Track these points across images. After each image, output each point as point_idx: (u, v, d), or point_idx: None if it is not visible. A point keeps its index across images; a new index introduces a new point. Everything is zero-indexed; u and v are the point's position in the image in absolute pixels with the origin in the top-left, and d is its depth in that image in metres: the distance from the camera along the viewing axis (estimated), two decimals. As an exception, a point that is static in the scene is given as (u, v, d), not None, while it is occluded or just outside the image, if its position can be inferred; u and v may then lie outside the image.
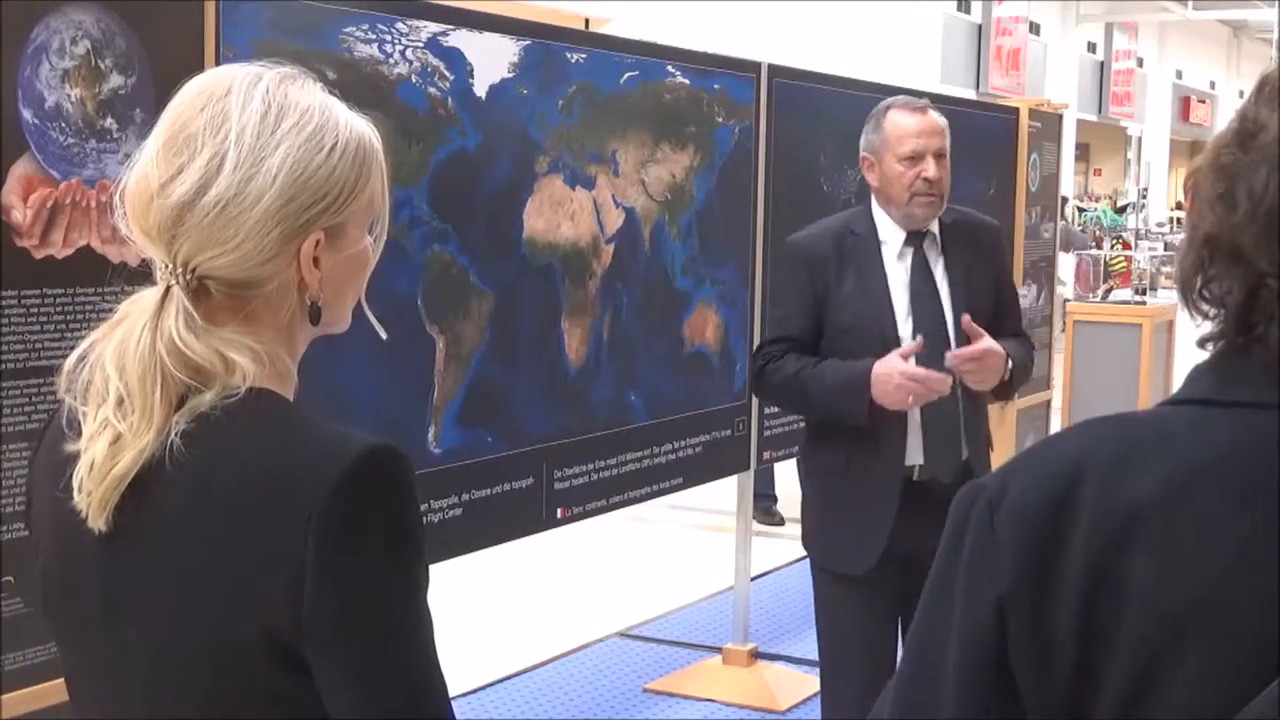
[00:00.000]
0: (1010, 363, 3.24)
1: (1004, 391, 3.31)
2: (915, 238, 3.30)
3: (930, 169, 3.22)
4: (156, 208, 1.20)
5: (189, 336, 1.19)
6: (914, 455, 3.25)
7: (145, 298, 1.22)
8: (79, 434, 1.22)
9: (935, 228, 3.32)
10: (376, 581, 1.16)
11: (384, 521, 1.17)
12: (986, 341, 3.16)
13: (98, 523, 1.19)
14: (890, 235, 3.31)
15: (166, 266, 1.21)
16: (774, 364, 3.33)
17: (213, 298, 1.22)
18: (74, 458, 1.21)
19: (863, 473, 3.27)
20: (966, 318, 3.17)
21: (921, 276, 3.28)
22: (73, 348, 1.24)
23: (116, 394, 1.19)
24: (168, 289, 1.21)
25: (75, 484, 1.20)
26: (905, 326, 3.25)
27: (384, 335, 1.41)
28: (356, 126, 1.26)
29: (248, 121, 1.20)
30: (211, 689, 1.19)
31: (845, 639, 3.34)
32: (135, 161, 1.24)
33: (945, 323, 3.25)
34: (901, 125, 3.26)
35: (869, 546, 3.25)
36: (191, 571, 1.18)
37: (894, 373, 3.12)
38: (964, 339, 3.19)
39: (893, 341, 3.22)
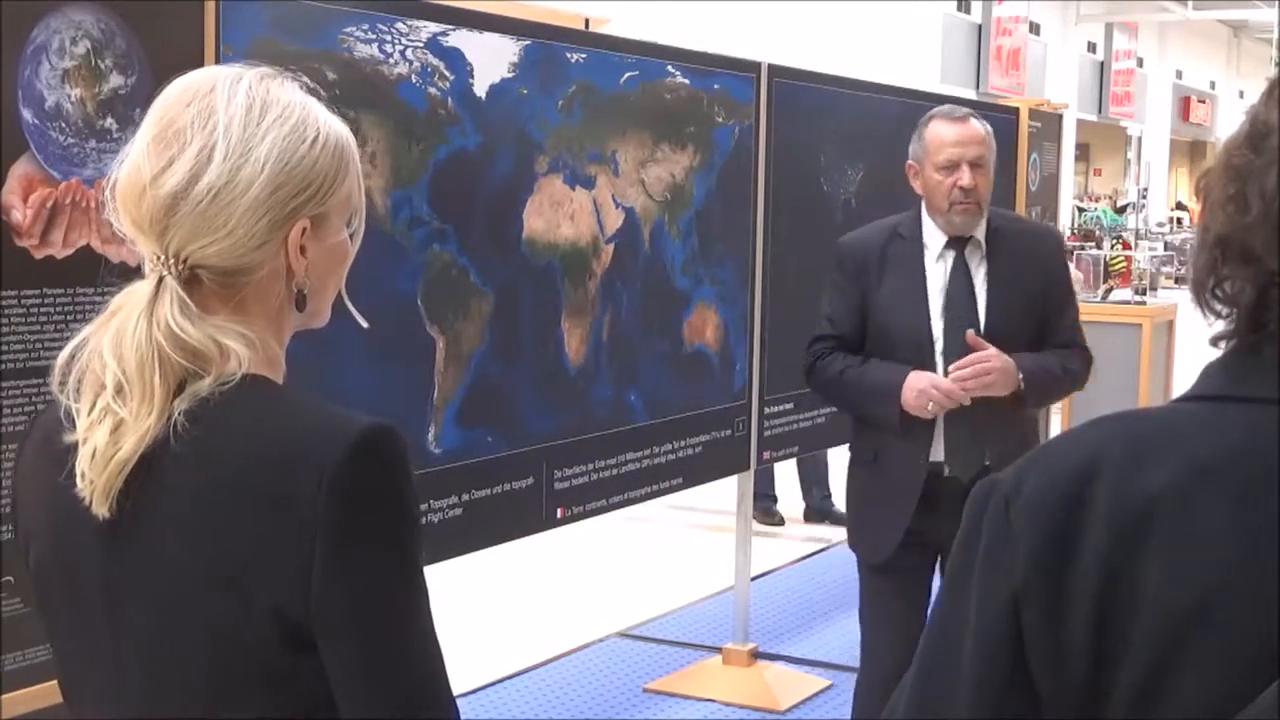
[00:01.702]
0: (1021, 374, 3.30)
1: (1017, 401, 3.35)
2: (957, 242, 3.40)
3: (965, 178, 3.32)
4: (149, 199, 1.23)
5: (185, 323, 1.22)
6: (936, 453, 3.38)
7: (138, 290, 1.25)
8: (74, 426, 1.23)
9: (981, 233, 3.42)
10: (382, 555, 1.19)
11: (387, 497, 1.20)
12: (986, 354, 3.26)
13: (101, 509, 1.20)
14: (933, 239, 3.42)
15: (158, 258, 1.24)
16: (823, 360, 3.49)
17: (204, 287, 1.25)
18: (73, 448, 1.23)
19: (889, 465, 3.43)
20: (970, 332, 3.29)
21: (959, 280, 3.39)
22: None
23: (115, 382, 1.21)
24: (160, 279, 1.23)
25: (78, 472, 1.21)
26: (938, 328, 3.37)
27: (364, 324, 1.43)
28: (334, 122, 1.31)
29: (234, 114, 1.24)
30: (215, 670, 1.20)
31: (876, 625, 3.49)
32: (123, 158, 1.26)
33: (978, 327, 3.34)
34: (940, 135, 3.38)
35: (887, 536, 3.40)
36: (196, 552, 1.20)
37: (922, 378, 3.30)
38: (995, 343, 3.29)
39: (926, 343, 3.36)
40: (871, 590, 3.53)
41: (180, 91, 1.27)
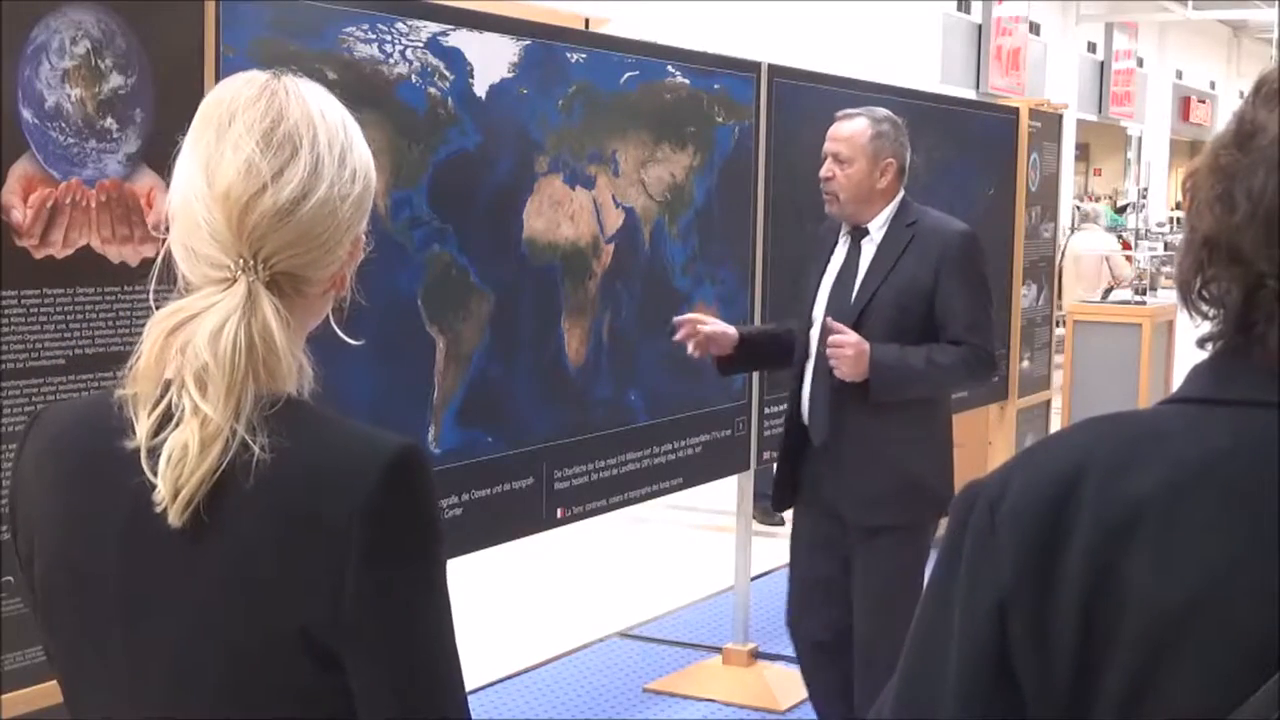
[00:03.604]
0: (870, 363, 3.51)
1: (865, 387, 3.55)
2: (858, 232, 3.69)
3: (823, 169, 3.67)
4: (268, 202, 1.20)
5: (283, 337, 1.20)
6: (807, 415, 3.73)
7: (225, 298, 1.20)
8: (131, 430, 1.20)
9: (878, 225, 3.67)
10: (413, 576, 1.19)
11: (418, 517, 1.20)
12: (846, 338, 3.49)
13: (179, 518, 1.17)
14: (845, 228, 3.75)
15: (245, 262, 1.21)
16: None
17: (282, 295, 1.23)
18: (133, 453, 1.19)
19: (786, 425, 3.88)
20: (827, 318, 3.58)
21: (848, 267, 3.69)
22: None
23: (203, 387, 1.18)
24: (250, 287, 1.20)
25: (159, 474, 1.18)
26: (819, 307, 3.70)
27: (353, 343, 1.42)
28: None
29: (333, 125, 1.25)
30: (238, 687, 1.20)
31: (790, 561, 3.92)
32: (209, 159, 1.22)
33: (849, 310, 3.63)
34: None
35: (779, 485, 3.83)
36: (233, 568, 1.19)
37: None
38: (854, 323, 3.55)
39: (808, 317, 3.71)
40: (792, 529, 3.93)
41: (266, 93, 1.24)
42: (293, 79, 1.27)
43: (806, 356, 3.72)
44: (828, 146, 3.67)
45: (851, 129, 3.66)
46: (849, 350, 3.47)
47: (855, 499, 3.61)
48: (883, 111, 3.74)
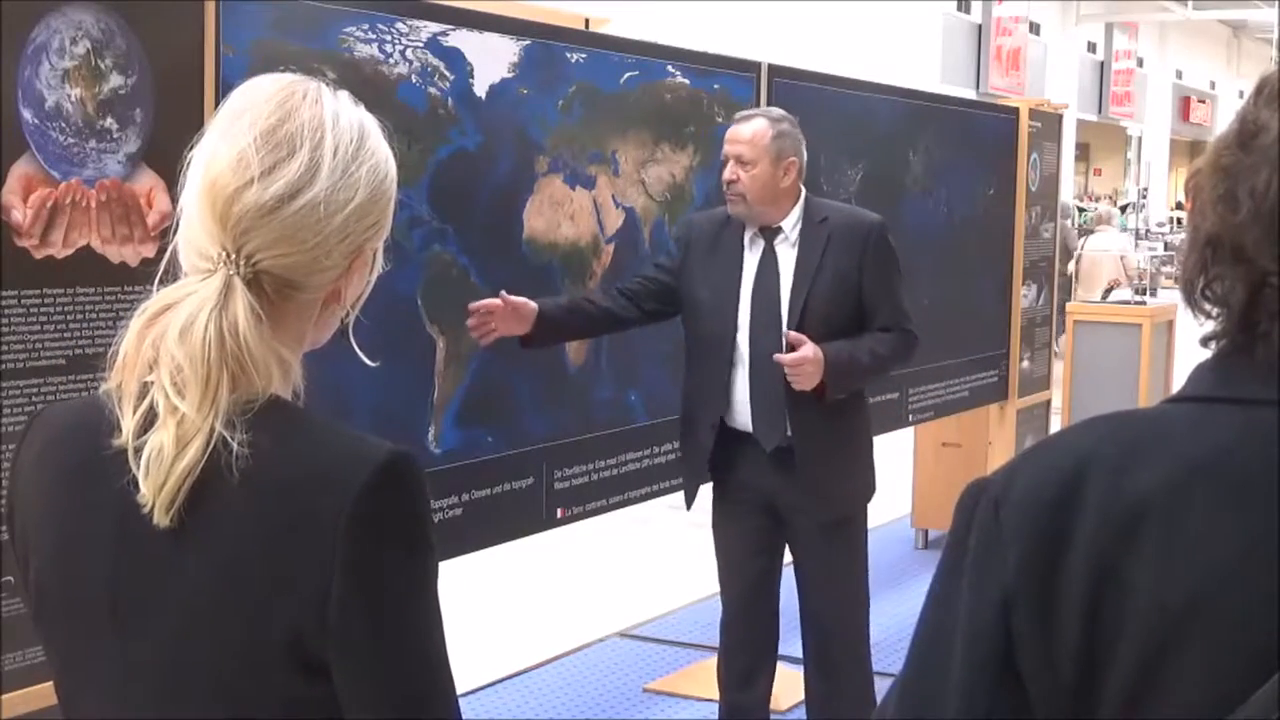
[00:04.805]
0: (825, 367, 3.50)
1: (820, 390, 3.54)
2: (769, 233, 3.66)
3: (727, 171, 3.62)
4: (250, 197, 1.20)
5: (253, 335, 1.20)
6: (739, 421, 3.68)
7: (200, 286, 1.21)
8: (119, 430, 1.20)
9: (791, 224, 3.66)
10: (401, 581, 1.19)
11: (406, 524, 1.20)
12: (803, 352, 3.48)
13: (164, 519, 1.18)
14: (750, 229, 3.68)
15: (227, 255, 1.21)
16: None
17: (261, 294, 1.23)
18: (118, 453, 1.20)
19: (690, 424, 3.82)
20: (791, 333, 3.54)
21: (766, 268, 3.66)
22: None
23: (175, 379, 1.18)
24: (228, 279, 1.21)
25: (141, 475, 1.18)
26: (744, 310, 3.65)
27: (370, 363, 1.42)
28: (389, 152, 1.32)
29: (342, 135, 1.25)
30: (232, 691, 1.19)
31: (722, 560, 3.91)
32: (213, 149, 1.23)
33: (780, 312, 3.61)
34: (727, 133, 3.71)
35: (692, 487, 3.85)
36: (219, 570, 1.18)
37: None
38: (795, 327, 3.56)
39: (730, 322, 3.65)
40: (717, 531, 3.88)
41: (282, 94, 1.25)
42: (323, 86, 1.28)
43: (733, 363, 3.65)
44: (729, 149, 3.63)
45: (753, 130, 3.62)
46: (810, 366, 3.47)
47: (819, 497, 3.67)
48: (778, 111, 3.73)
